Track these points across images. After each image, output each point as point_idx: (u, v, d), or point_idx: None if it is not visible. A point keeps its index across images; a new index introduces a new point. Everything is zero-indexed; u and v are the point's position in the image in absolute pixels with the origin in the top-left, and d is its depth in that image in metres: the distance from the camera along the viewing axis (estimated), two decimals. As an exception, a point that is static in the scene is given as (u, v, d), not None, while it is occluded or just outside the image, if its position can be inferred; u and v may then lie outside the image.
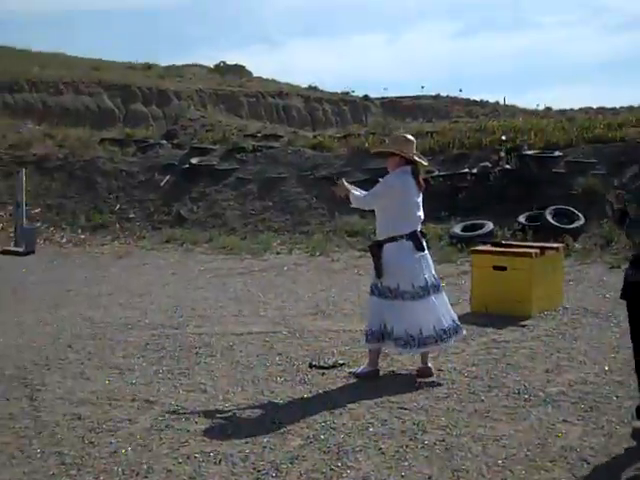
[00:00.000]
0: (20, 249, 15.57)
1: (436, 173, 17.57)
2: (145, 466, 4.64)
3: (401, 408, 5.72)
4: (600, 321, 8.56)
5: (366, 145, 19.15)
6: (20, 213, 16.46)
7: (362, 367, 6.72)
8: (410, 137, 6.66)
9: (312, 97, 52.60)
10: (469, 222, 15.48)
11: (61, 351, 7.63)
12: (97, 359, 7.32)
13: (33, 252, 15.47)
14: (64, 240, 17.56)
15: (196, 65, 57.04)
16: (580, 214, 14.86)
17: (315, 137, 21.76)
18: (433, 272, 6.59)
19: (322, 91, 55.24)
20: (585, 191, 15.74)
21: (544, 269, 9.08)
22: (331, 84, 71.80)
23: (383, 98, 56.55)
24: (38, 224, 18.64)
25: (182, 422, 5.50)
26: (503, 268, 8.96)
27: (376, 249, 6.49)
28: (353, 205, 6.71)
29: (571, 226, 14.64)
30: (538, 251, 9.07)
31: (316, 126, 42.84)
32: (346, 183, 6.70)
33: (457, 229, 15.21)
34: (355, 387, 6.34)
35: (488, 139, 19.02)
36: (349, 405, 5.80)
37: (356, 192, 6.62)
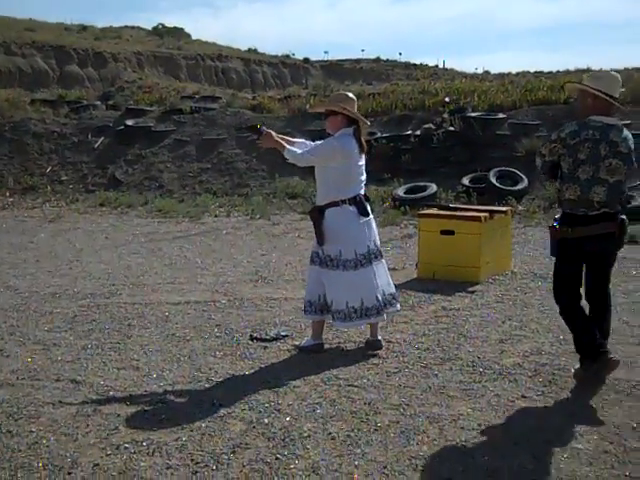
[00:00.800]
0: (-58, 213, 14.74)
1: (378, 135, 17.20)
2: (69, 459, 4.14)
3: (350, 385, 5.32)
4: (549, 285, 8.26)
5: (307, 107, 18.64)
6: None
7: (306, 340, 6.31)
8: (351, 95, 6.15)
9: (252, 60, 51.71)
10: (412, 184, 15.16)
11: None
12: (19, 334, 6.75)
13: (-45, 216, 14.66)
14: (-10, 204, 16.73)
15: (134, 27, 55.53)
16: (524, 176, 14.67)
17: (254, 98, 21.19)
18: (376, 238, 6.17)
19: (262, 54, 54.36)
20: (529, 153, 15.47)
21: (493, 233, 8.76)
22: (272, 48, 70.55)
23: (324, 61, 55.92)
24: (-37, 187, 17.80)
25: (111, 405, 5.01)
26: (451, 232, 8.61)
27: (317, 214, 6.03)
28: (288, 160, 6.11)
29: (515, 188, 14.44)
30: (487, 215, 8.74)
31: (256, 89, 42.02)
32: (274, 133, 6.14)
33: (400, 191, 14.88)
34: (300, 362, 5.91)
35: (431, 101, 18.70)
36: (294, 383, 5.38)
37: (290, 147, 6.09)
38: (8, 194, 17.52)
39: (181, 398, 5.17)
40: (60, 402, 5.09)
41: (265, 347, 6.34)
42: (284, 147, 6.01)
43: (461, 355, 5.98)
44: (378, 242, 6.20)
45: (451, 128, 16.88)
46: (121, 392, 5.27)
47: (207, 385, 5.42)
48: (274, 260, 10.14)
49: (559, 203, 5.35)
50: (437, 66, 53.71)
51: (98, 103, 21.44)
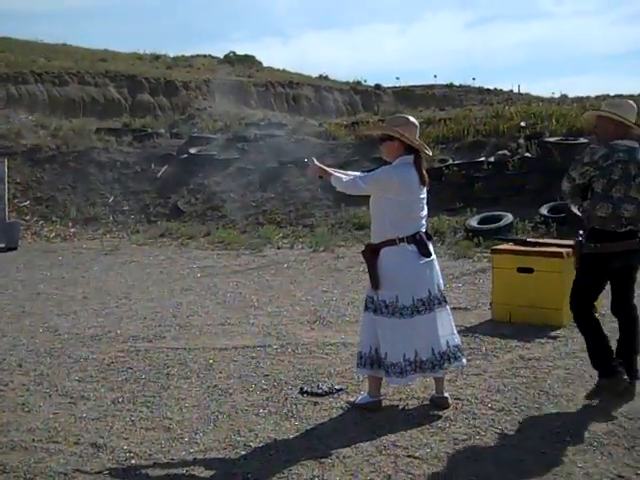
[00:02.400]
0: (1, 245, 14.44)
1: (450, 162, 16.34)
2: None
3: (410, 456, 4.50)
4: (643, 331, 7.31)
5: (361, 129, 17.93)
6: (2, 207, 15.33)
7: (362, 395, 5.51)
8: (412, 119, 5.36)
9: (323, 86, 51.46)
10: (486, 214, 14.23)
11: (7, 373, 6.44)
12: (47, 384, 6.13)
13: (15, 248, 14.34)
14: (53, 234, 16.45)
15: (205, 56, 55.96)
16: (608, 205, 13.58)
17: (321, 125, 20.55)
18: (439, 281, 5.35)
19: (333, 81, 54.05)
20: (613, 180, 14.45)
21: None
22: (343, 74, 70.28)
23: (395, 87, 55.26)
24: (27, 217, 17.60)
25: (130, 476, 4.31)
26: (529, 270, 7.72)
27: (371, 255, 5.26)
28: (337, 188, 5.37)
29: (598, 218, 13.36)
30: (570, 250, 7.81)
31: (327, 116, 41.63)
32: (318, 163, 5.43)
33: (473, 222, 13.96)
34: (353, 423, 5.12)
35: (506, 126, 17.77)
36: (343, 452, 4.59)
37: (338, 174, 5.38)
38: (70, 224, 17.23)
39: (211, 469, 4.43)
40: (75, 471, 4.42)
41: (315, 403, 5.57)
42: (331, 174, 5.31)
43: (542, 418, 5.10)
44: (442, 286, 5.38)
45: (527, 154, 15.93)
46: (144, 459, 4.57)
47: (243, 452, 4.67)
48: (335, 298, 9.38)
49: (587, 220, 5.50)
50: (512, 91, 52.46)
51: (162, 131, 21.15)
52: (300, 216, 16.27)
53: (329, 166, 5.54)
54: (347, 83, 54.01)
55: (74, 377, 6.29)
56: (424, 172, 5.27)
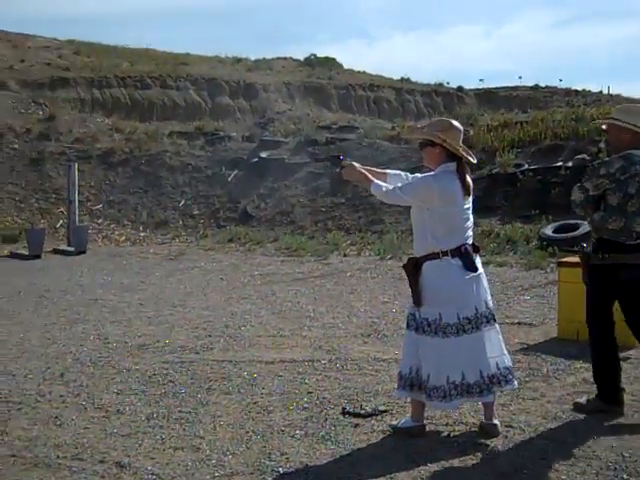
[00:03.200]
0: (71, 249, 14.58)
1: (525, 167, 15.74)
2: None
3: (448, 491, 4.15)
4: None
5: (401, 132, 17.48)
6: (73, 210, 15.48)
7: (405, 419, 5.15)
8: (457, 124, 4.97)
9: (404, 89, 50.98)
10: (562, 222, 13.60)
11: (47, 382, 6.32)
12: (85, 395, 5.97)
13: (84, 252, 14.46)
14: (123, 238, 16.56)
15: (286, 58, 56.09)
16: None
17: (393, 128, 20.17)
18: (487, 298, 4.96)
19: (414, 83, 53.46)
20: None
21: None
22: (426, 77, 69.62)
23: (478, 89, 54.29)
24: (99, 220, 17.78)
25: (146, 503, 4.08)
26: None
27: (413, 269, 4.90)
28: (375, 195, 5.06)
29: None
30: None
31: (408, 118, 41.16)
32: (357, 165, 5.10)
33: (548, 230, 13.36)
34: (392, 450, 4.77)
35: (585, 129, 17.01)
36: (378, 483, 4.27)
37: (378, 181, 5.03)
38: (141, 228, 17.32)
39: (234, 499, 4.16)
40: (93, 493, 4.21)
41: (356, 425, 5.24)
42: (370, 180, 4.98)
43: (600, 452, 4.65)
44: (490, 303, 4.98)
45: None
46: (167, 484, 4.33)
47: (270, 478, 4.38)
48: (395, 310, 9.03)
49: (596, 231, 5.30)
50: (601, 92, 50.93)
51: (234, 134, 21.12)
52: (370, 222, 15.94)
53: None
54: (429, 85, 53.40)
55: (113, 389, 6.13)
56: (468, 181, 4.89)
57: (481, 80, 58.77)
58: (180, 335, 7.93)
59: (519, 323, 8.04)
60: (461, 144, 4.96)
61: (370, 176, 5.07)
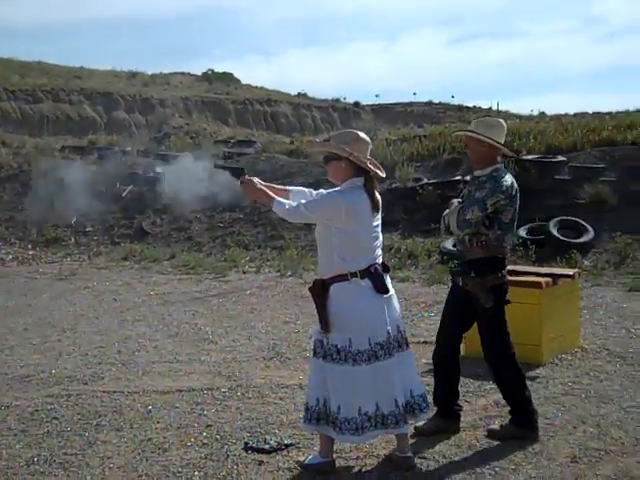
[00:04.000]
0: (-50, 270, 13.66)
1: (425, 181, 15.68)
2: None
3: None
4: (630, 369, 6.66)
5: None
6: (-48, 229, 14.53)
7: (312, 455, 4.79)
8: (364, 136, 4.67)
9: (301, 104, 50.97)
10: (462, 236, 13.55)
11: None
12: (-43, 438, 5.37)
13: (-35, 273, 13.53)
14: (9, 257, 15.64)
15: (184, 73, 55.30)
16: (589, 226, 12.97)
17: (292, 143, 19.88)
18: (399, 321, 4.66)
19: (312, 98, 53.57)
20: (593, 200, 13.86)
21: (557, 302, 7.18)
22: (323, 92, 69.84)
23: (374, 105, 54.77)
24: (-16, 239, 16.78)
25: None
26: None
27: (319, 291, 4.55)
28: (278, 214, 4.67)
29: (579, 240, 12.75)
30: (550, 280, 7.16)
31: (305, 133, 41.14)
32: (257, 180, 4.70)
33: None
34: (300, 490, 4.41)
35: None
36: (283, 533, 3.88)
37: (280, 199, 4.65)
38: (30, 246, 16.43)
39: None
40: None
41: (260, 462, 4.85)
42: (272, 198, 4.59)
43: (519, 483, 4.40)
44: (402, 326, 4.68)
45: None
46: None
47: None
48: (297, 330, 8.66)
49: (488, 250, 5.07)
50: (490, 108, 52.09)
51: (129, 149, 20.43)
52: (269, 237, 15.54)
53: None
54: (326, 101, 53.56)
55: (-11, 430, 5.54)
56: (377, 196, 4.58)
57: (377, 96, 59.52)
58: (68, 364, 7.34)
59: (425, 342, 7.78)
60: (369, 157, 4.65)
61: (271, 193, 4.69)
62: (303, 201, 4.64)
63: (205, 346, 7.99)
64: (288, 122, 48.12)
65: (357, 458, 4.84)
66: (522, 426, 5.09)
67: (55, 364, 7.33)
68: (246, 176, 4.71)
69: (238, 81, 56.71)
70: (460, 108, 54.63)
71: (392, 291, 4.62)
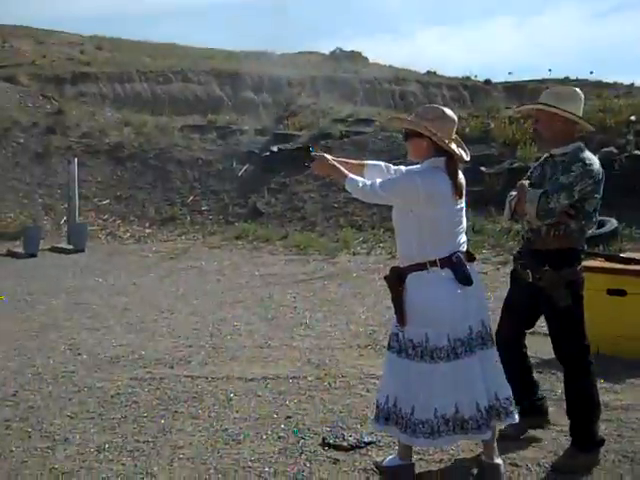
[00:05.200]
0: (69, 247, 13.95)
1: (548, 160, 14.84)
2: None
3: None
4: None
5: (466, 130, 16.59)
6: (72, 207, 14.86)
7: (391, 457, 4.39)
8: (450, 113, 4.16)
9: (430, 82, 50.06)
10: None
11: (1, 402, 5.63)
12: (34, 420, 5.27)
13: (82, 250, 13.80)
14: (127, 235, 15.91)
15: (311, 52, 55.34)
16: None
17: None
18: (484, 316, 4.17)
19: (441, 76, 52.51)
20: None
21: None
22: (453, 71, 68.52)
23: (506, 83, 53.14)
24: (105, 217, 17.16)
25: None
26: (622, 292, 6.40)
27: (396, 281, 4.13)
28: (351, 193, 4.21)
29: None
30: (675, 268, 6.46)
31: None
32: (329, 157, 4.30)
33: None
34: (372, 496, 4.04)
35: (613, 120, 16.05)
36: None
37: (353, 175, 4.21)
38: (147, 225, 16.67)
39: None
40: None
41: (335, 461, 4.51)
42: (344, 175, 4.18)
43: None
44: (487, 320, 4.20)
45: (637, 152, 14.29)
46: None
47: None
48: (399, 316, 8.23)
49: (576, 241, 4.45)
50: (633, 84, 49.61)
51: (247, 128, 20.40)
52: (383, 219, 15.08)
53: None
54: (456, 79, 52.40)
55: (67, 412, 5.42)
56: (460, 179, 4.10)
57: (510, 73, 57.66)
58: (159, 345, 7.22)
59: (533, 332, 7.19)
60: (454, 137, 4.17)
61: (343, 169, 4.29)
62: (379, 180, 4.21)
63: (300, 331, 7.70)
64: (417, 101, 47.12)
65: (440, 461, 4.43)
66: (585, 450, 4.38)
67: (146, 345, 7.21)
68: (318, 151, 4.34)
69: (366, 60, 56.22)
70: (598, 84, 52.28)
71: (476, 282, 4.14)
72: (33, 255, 13.29)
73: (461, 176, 4.13)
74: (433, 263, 4.00)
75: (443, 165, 4.05)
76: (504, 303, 4.83)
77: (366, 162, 4.51)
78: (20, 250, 13.51)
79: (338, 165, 4.25)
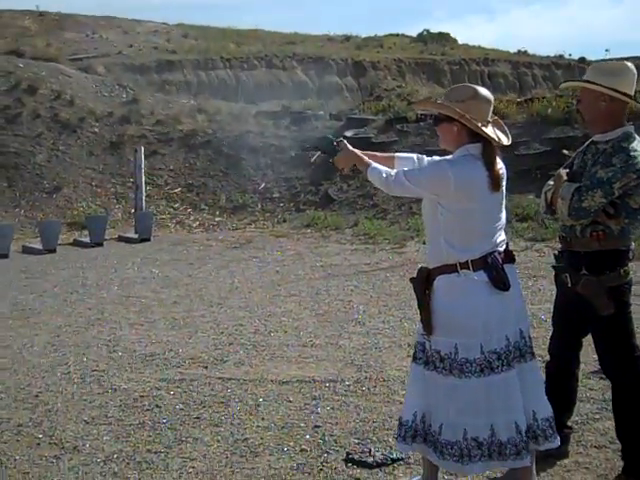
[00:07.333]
0: (135, 236, 13.84)
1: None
2: None
3: None
4: None
5: (549, 111, 15.77)
6: (139, 196, 14.76)
7: (417, 478, 3.92)
8: (484, 92, 3.61)
9: (521, 62, 48.63)
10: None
11: (15, 406, 5.39)
12: (47, 424, 5.00)
13: (148, 239, 13.67)
14: (196, 224, 15.75)
15: (397, 35, 54.47)
16: None
17: (500, 101, 18.47)
18: (524, 324, 3.64)
19: (532, 56, 50.93)
20: None
21: None
22: (546, 49, 66.29)
23: (604, 60, 51.16)
24: (176, 205, 17.06)
25: None
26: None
27: (421, 283, 3.64)
28: (374, 184, 3.75)
29: None
30: None
31: (524, 92, 39.03)
32: (350, 147, 3.88)
33: None
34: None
35: None
36: None
37: (377, 165, 3.74)
38: (218, 213, 16.47)
39: None
40: None
41: (357, 480, 4.06)
42: (366, 163, 3.73)
43: None
44: (527, 330, 3.65)
45: (624, 145, 13.20)
46: None
47: None
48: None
49: (616, 242, 3.81)
50: None
51: (321, 113, 19.98)
52: (458, 206, 14.52)
53: None
54: (548, 58, 50.72)
55: (85, 417, 5.13)
56: (498, 169, 3.56)
57: (607, 50, 55.34)
58: (198, 343, 6.88)
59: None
60: (491, 118, 3.63)
61: (366, 158, 3.82)
62: (405, 169, 3.74)
63: (350, 328, 7.26)
64: (506, 81, 45.95)
65: (471, 485, 3.93)
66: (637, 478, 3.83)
67: (185, 342, 6.90)
68: (343, 142, 3.93)
69: (455, 41, 54.92)
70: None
71: (515, 287, 3.60)
72: (99, 244, 13.23)
73: (500, 165, 3.60)
74: (464, 265, 3.49)
75: (479, 152, 3.52)
76: (553, 308, 4.28)
77: (396, 154, 4.03)
78: (87, 240, 13.46)
79: (360, 154, 3.80)
